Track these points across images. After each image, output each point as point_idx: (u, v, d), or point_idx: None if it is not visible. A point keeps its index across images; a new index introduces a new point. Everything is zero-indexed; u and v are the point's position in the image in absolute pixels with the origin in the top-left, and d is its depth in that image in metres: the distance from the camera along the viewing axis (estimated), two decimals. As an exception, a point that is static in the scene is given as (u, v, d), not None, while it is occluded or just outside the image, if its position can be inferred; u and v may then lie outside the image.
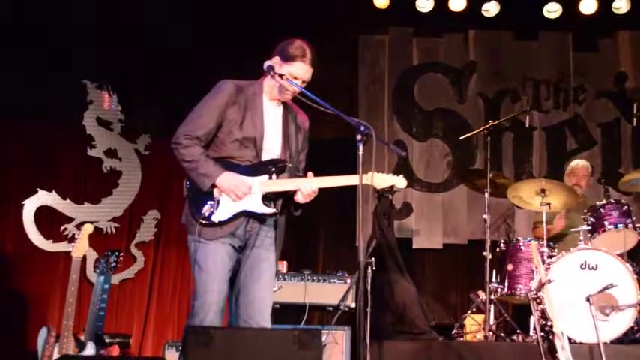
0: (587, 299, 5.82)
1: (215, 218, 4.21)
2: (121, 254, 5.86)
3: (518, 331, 6.54)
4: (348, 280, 6.79)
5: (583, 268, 6.14)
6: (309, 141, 4.64)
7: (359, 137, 4.02)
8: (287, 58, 4.31)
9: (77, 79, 8.02)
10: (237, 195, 4.19)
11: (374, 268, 6.18)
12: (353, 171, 4.18)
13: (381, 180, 4.36)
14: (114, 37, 7.89)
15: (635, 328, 6.16)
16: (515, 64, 9.20)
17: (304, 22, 7.86)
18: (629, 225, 6.61)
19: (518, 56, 9.22)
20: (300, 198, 4.30)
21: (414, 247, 8.78)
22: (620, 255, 6.38)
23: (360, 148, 4.01)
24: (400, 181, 4.43)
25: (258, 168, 4.30)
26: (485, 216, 6.94)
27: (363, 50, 9.22)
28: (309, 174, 4.35)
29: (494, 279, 6.77)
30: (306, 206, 4.39)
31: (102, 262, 5.71)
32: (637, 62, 9.13)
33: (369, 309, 5.90)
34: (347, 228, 8.33)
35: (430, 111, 9.13)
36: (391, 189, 4.39)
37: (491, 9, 8.92)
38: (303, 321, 6.51)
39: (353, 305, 6.64)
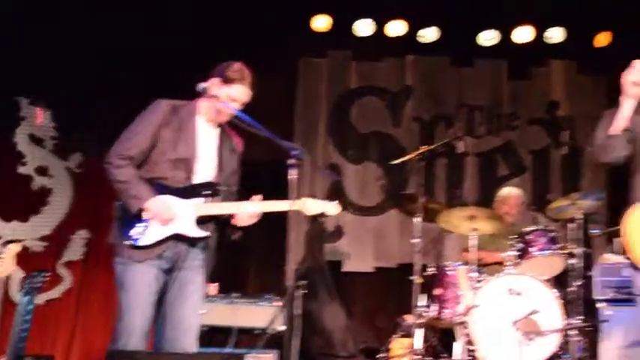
0: (513, 324, 5.91)
1: (144, 240, 4.19)
2: (48, 274, 5.73)
3: (443, 355, 6.58)
4: (277, 303, 6.78)
5: (510, 294, 6.22)
6: (243, 162, 4.64)
7: (291, 161, 4.06)
8: (226, 80, 4.33)
9: (11, 94, 7.91)
10: (162, 220, 4.17)
11: (304, 291, 6.19)
12: (287, 194, 4.20)
13: (314, 206, 4.37)
14: (50, 53, 7.81)
15: (560, 353, 6.26)
16: (450, 90, 9.29)
17: (242, 43, 7.84)
18: (556, 251, 6.71)
19: (454, 82, 9.32)
20: (241, 221, 4.31)
21: (344, 270, 8.74)
22: (548, 280, 6.47)
23: (292, 171, 4.04)
24: (332, 208, 4.44)
25: (190, 190, 4.29)
26: (414, 240, 6.99)
27: (301, 73, 9.24)
28: (257, 197, 4.35)
29: (422, 303, 6.80)
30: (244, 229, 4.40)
31: (27, 282, 5.60)
32: (569, 91, 9.30)
33: (298, 332, 5.90)
34: (279, 250, 8.32)
35: (366, 134, 9.18)
36: (323, 214, 4.42)
37: (428, 35, 9.01)
38: (231, 344, 6.49)
39: (282, 329, 6.64)
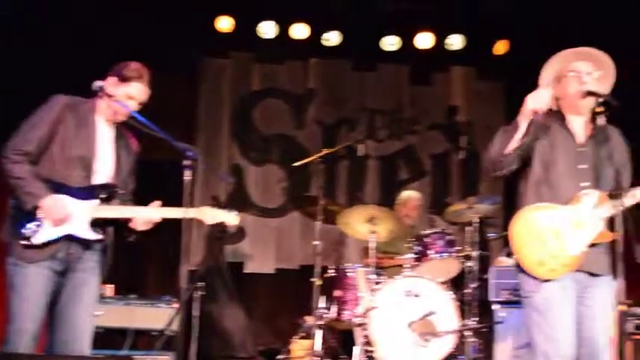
0: (409, 326, 5.99)
1: (36, 239, 4.08)
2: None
3: (343, 356, 6.62)
4: (175, 305, 6.71)
5: (407, 295, 6.28)
6: (141, 163, 4.59)
7: (185, 162, 4.04)
8: (123, 79, 4.28)
9: None
10: (54, 220, 4.08)
11: (202, 293, 6.15)
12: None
13: (212, 215, 4.34)
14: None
15: (456, 354, 6.36)
16: (353, 94, 9.40)
17: (144, 43, 7.72)
18: (453, 254, 6.83)
19: (357, 86, 9.42)
20: (138, 225, 4.27)
21: (246, 271, 8.77)
22: (444, 283, 6.57)
23: (187, 173, 4.02)
24: (231, 219, 4.41)
25: (88, 191, 4.21)
26: (315, 242, 7.00)
27: (204, 74, 9.19)
28: (156, 202, 4.30)
29: (322, 304, 6.83)
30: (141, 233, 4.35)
31: None
32: (468, 97, 9.53)
33: (196, 334, 5.86)
34: (179, 251, 8.22)
35: (268, 136, 9.21)
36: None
37: (331, 38, 9.06)
38: (128, 346, 6.40)
39: (179, 330, 6.58)
